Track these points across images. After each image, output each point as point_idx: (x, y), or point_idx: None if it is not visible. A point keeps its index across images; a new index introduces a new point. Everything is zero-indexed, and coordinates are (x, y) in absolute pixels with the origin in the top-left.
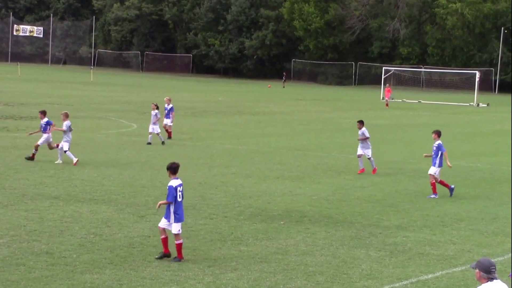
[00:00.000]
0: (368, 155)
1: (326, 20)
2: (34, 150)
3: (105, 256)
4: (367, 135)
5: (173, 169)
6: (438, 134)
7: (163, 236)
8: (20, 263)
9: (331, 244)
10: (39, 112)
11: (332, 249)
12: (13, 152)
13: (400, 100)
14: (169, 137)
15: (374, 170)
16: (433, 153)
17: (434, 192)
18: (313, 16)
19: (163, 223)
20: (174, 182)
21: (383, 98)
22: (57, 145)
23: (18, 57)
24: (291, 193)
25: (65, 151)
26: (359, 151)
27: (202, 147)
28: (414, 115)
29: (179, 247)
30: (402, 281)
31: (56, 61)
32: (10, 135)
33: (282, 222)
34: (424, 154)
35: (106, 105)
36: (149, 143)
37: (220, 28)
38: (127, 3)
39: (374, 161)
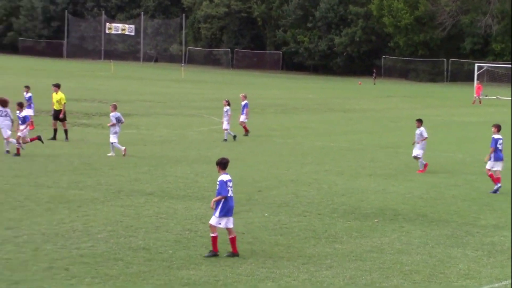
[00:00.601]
0: (419, 155)
1: (416, 16)
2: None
3: (200, 252)
4: (425, 135)
5: (223, 164)
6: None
7: (231, 236)
8: (118, 258)
9: (427, 243)
10: (17, 104)
11: (428, 248)
12: (109, 149)
13: (494, 97)
14: (246, 133)
15: (421, 170)
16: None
17: (496, 182)
18: (402, 12)
19: (213, 220)
20: (224, 177)
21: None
22: (31, 139)
23: (111, 55)
24: (384, 191)
25: (112, 143)
26: (416, 152)
27: (293, 144)
28: (509, 112)
29: (214, 240)
30: (501, 281)
31: (148, 58)
32: (105, 132)
33: (376, 220)
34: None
35: (197, 102)
36: (225, 140)
37: (309, 25)
38: (216, 1)
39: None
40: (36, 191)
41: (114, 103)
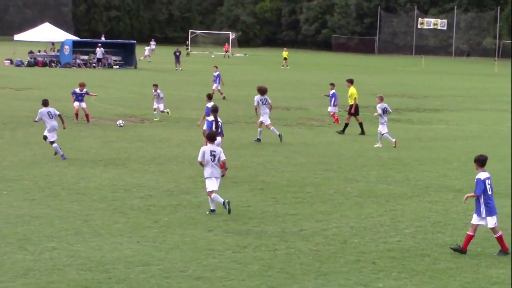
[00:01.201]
0: None
1: None
2: None
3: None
4: None
5: (481, 161)
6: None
7: (470, 233)
8: (425, 254)
9: None
10: (206, 95)
11: None
12: (417, 144)
13: None
14: None
15: None
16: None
17: None
18: None
19: (475, 219)
20: (482, 175)
21: None
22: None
23: (422, 49)
24: None
25: (382, 134)
26: None
27: None
28: None
29: (500, 239)
30: None
31: (460, 53)
32: (414, 127)
33: None
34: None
35: (510, 97)
36: None
37: None
38: None
39: None
40: (345, 185)
41: (381, 95)
